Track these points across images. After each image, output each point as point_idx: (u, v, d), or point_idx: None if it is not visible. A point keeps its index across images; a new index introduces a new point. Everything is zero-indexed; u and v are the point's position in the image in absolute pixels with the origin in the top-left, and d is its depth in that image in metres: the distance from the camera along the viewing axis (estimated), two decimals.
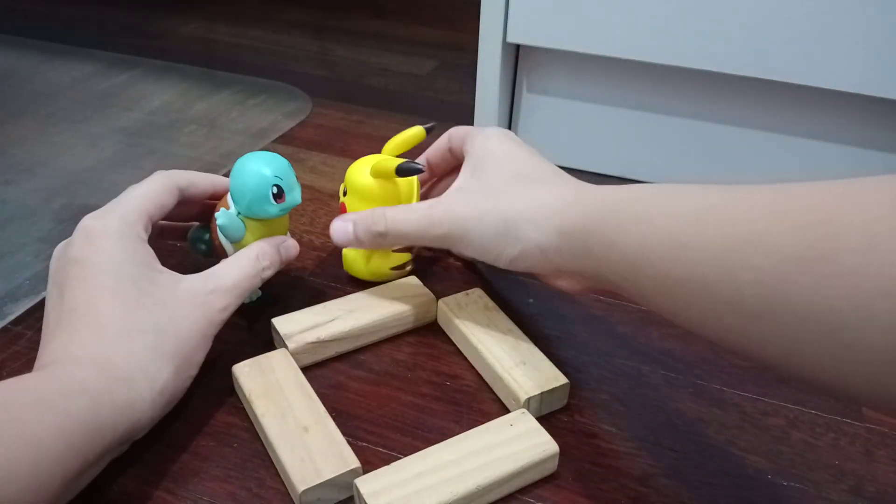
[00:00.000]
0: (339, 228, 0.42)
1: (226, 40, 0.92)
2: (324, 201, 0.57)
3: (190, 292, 0.36)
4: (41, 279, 0.48)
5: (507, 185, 0.38)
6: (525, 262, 0.37)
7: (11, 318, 0.44)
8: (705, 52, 0.53)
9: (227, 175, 0.40)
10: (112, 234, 0.35)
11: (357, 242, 0.42)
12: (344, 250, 0.46)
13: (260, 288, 0.41)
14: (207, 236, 0.42)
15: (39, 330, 0.43)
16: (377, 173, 0.43)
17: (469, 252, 0.39)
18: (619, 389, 0.40)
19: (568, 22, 0.55)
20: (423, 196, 0.48)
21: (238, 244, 0.40)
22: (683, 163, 0.60)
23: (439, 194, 0.42)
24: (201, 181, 0.41)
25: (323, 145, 0.66)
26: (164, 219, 0.40)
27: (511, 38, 0.57)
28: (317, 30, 0.96)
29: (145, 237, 0.36)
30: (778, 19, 0.50)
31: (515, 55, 0.61)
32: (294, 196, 0.40)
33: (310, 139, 0.67)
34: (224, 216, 0.39)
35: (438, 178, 0.49)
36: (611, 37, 0.55)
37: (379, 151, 0.46)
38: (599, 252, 0.33)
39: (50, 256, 0.50)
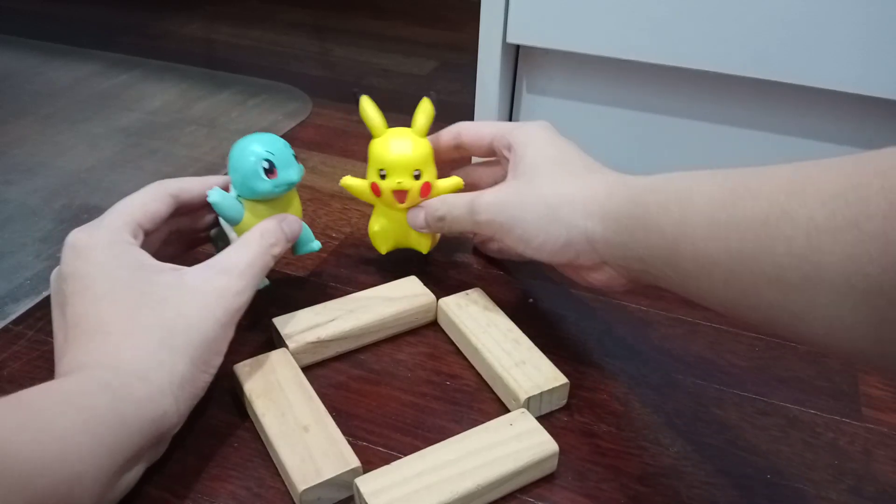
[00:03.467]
0: (414, 215, 0.44)
1: (226, 40, 0.92)
2: (324, 201, 0.57)
3: (197, 282, 0.35)
4: (41, 279, 0.48)
5: (550, 174, 0.39)
6: (569, 250, 0.37)
7: (12, 318, 0.44)
8: (705, 52, 0.53)
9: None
10: (98, 244, 0.35)
11: (426, 227, 0.44)
12: (370, 227, 0.47)
13: (266, 276, 0.41)
14: (223, 233, 0.42)
15: (40, 330, 0.43)
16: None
17: (511, 239, 0.39)
18: (619, 389, 0.40)
19: (568, 22, 0.55)
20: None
21: (239, 227, 0.40)
22: (683, 163, 0.60)
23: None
24: (193, 185, 0.40)
25: (323, 145, 0.66)
26: (174, 229, 0.40)
27: (511, 39, 0.57)
28: (317, 30, 0.96)
29: (135, 242, 0.36)
30: (778, 19, 0.50)
31: (515, 55, 0.61)
32: (288, 174, 0.39)
33: (310, 139, 0.67)
34: (216, 193, 0.38)
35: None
36: (611, 37, 0.55)
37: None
38: (641, 235, 0.33)
39: (50, 256, 0.50)
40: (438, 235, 0.48)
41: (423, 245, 0.47)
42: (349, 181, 0.45)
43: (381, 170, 0.43)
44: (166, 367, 0.32)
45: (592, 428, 0.38)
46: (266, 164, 0.38)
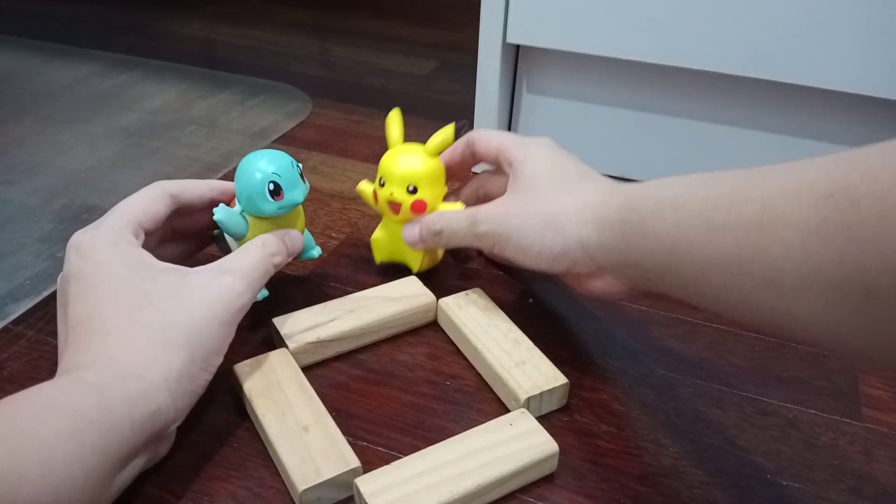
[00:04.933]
0: (408, 230, 0.45)
1: (226, 40, 0.92)
2: (324, 202, 0.57)
3: (200, 281, 0.35)
4: (41, 279, 0.48)
5: (547, 187, 0.39)
6: (566, 258, 0.37)
7: (12, 318, 0.44)
8: (705, 52, 0.53)
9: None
10: (101, 245, 0.35)
11: (422, 242, 0.44)
12: (373, 239, 0.47)
13: (265, 287, 0.41)
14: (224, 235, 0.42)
15: (40, 330, 0.43)
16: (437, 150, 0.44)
17: (510, 249, 0.39)
18: (619, 389, 0.40)
19: (568, 22, 0.55)
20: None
21: (242, 242, 0.40)
22: (683, 163, 0.60)
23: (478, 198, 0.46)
24: (196, 186, 0.41)
25: (323, 145, 0.66)
26: (174, 228, 0.41)
27: (511, 39, 0.57)
28: (317, 30, 0.96)
29: (136, 242, 0.36)
30: (778, 19, 0.50)
31: (515, 55, 0.61)
32: (294, 195, 0.39)
33: (310, 139, 0.67)
34: (221, 211, 0.38)
35: (454, 178, 0.50)
36: (611, 37, 0.55)
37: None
38: (637, 241, 0.33)
39: (50, 256, 0.50)
40: (441, 255, 0.48)
41: (415, 262, 0.47)
42: (362, 186, 0.47)
43: (382, 178, 0.44)
44: (162, 363, 0.32)
45: (592, 428, 0.38)
46: (272, 186, 0.38)
